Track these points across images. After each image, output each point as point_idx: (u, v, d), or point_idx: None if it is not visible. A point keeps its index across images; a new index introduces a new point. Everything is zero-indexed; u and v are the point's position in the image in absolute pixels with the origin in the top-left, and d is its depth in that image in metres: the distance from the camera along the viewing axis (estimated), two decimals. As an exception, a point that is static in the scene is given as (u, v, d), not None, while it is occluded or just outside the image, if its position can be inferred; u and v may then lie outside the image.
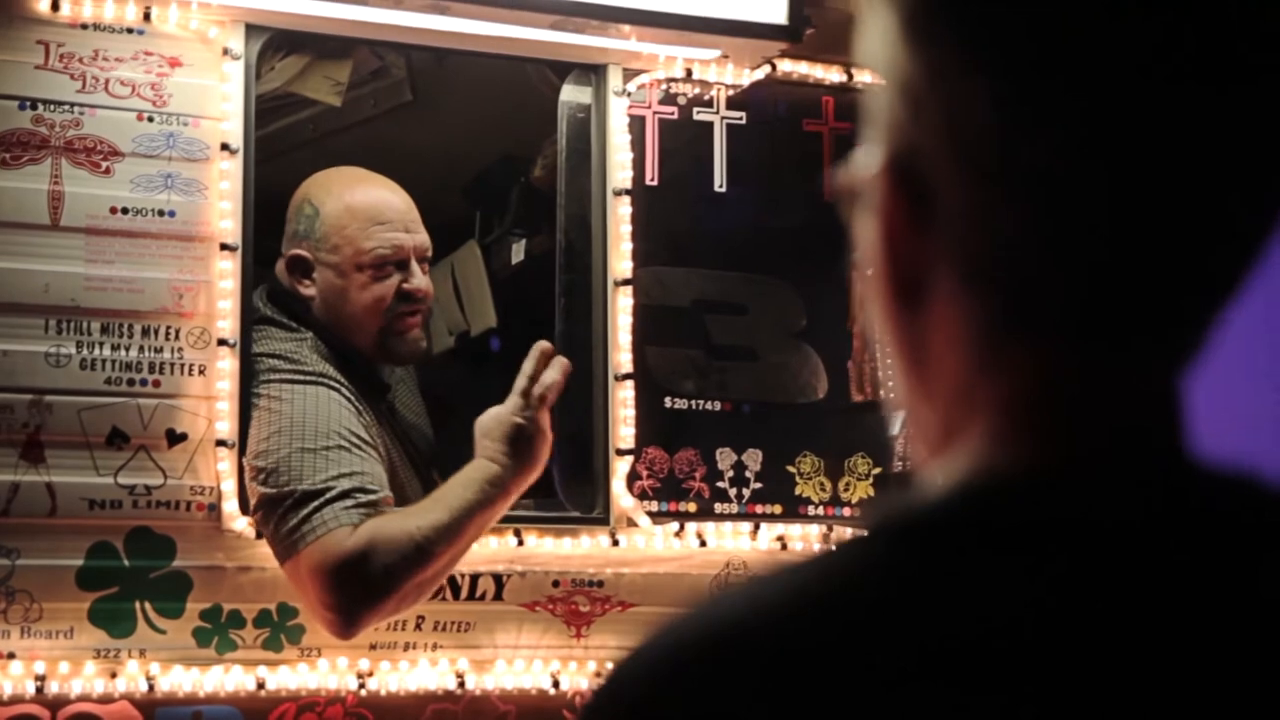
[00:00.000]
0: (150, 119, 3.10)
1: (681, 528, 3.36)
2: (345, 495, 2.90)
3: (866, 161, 0.85)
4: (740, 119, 3.53)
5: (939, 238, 0.81)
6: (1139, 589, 0.76)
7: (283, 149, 4.02)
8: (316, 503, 2.89)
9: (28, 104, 3.03)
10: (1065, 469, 0.79)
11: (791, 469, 3.47)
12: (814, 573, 0.80)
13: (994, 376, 0.81)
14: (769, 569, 0.80)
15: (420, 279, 3.25)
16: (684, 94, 3.51)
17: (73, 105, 3.05)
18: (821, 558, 0.81)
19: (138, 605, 2.99)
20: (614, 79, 3.43)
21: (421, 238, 3.28)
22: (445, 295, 4.50)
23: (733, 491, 3.42)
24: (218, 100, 3.14)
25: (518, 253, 4.50)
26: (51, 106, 3.04)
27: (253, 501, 2.99)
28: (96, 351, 3.00)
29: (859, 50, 0.85)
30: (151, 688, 2.97)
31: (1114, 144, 0.77)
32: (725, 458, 3.41)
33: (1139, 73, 0.76)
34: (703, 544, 3.37)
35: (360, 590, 2.87)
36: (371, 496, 2.93)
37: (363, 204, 3.25)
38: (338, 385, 3.08)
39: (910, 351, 0.86)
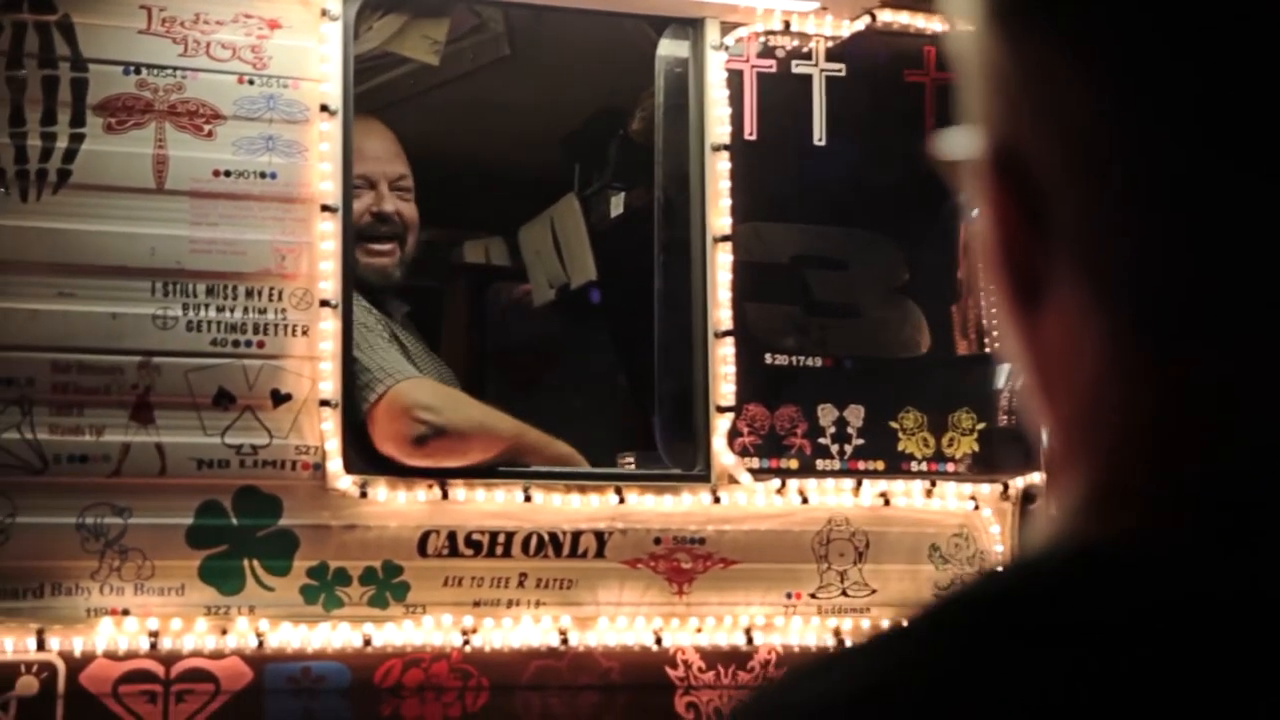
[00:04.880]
0: (251, 81, 3.12)
1: (783, 484, 3.34)
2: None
3: (969, 145, 0.79)
4: (840, 71, 3.48)
5: (1057, 241, 0.74)
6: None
7: (381, 105, 4.03)
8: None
9: (131, 69, 3.06)
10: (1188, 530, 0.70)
11: (894, 425, 3.44)
12: (871, 661, 0.73)
13: (1123, 394, 0.73)
14: (824, 656, 0.76)
15: (389, 202, 3.50)
16: (782, 47, 3.46)
17: (175, 69, 3.08)
18: (880, 644, 0.74)
19: (246, 563, 3.03)
20: (712, 33, 3.39)
21: (394, 168, 3.54)
22: (545, 248, 4.50)
23: (834, 448, 3.39)
24: (316, 62, 3.16)
25: (616, 205, 4.48)
26: (154, 71, 3.07)
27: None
28: (202, 313, 3.04)
29: (950, 42, 0.80)
30: (261, 644, 3.02)
31: (1233, 137, 0.70)
32: (827, 414, 3.39)
33: (1256, 60, 0.70)
34: (804, 501, 3.35)
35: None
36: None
37: None
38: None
39: (1031, 353, 0.78)
